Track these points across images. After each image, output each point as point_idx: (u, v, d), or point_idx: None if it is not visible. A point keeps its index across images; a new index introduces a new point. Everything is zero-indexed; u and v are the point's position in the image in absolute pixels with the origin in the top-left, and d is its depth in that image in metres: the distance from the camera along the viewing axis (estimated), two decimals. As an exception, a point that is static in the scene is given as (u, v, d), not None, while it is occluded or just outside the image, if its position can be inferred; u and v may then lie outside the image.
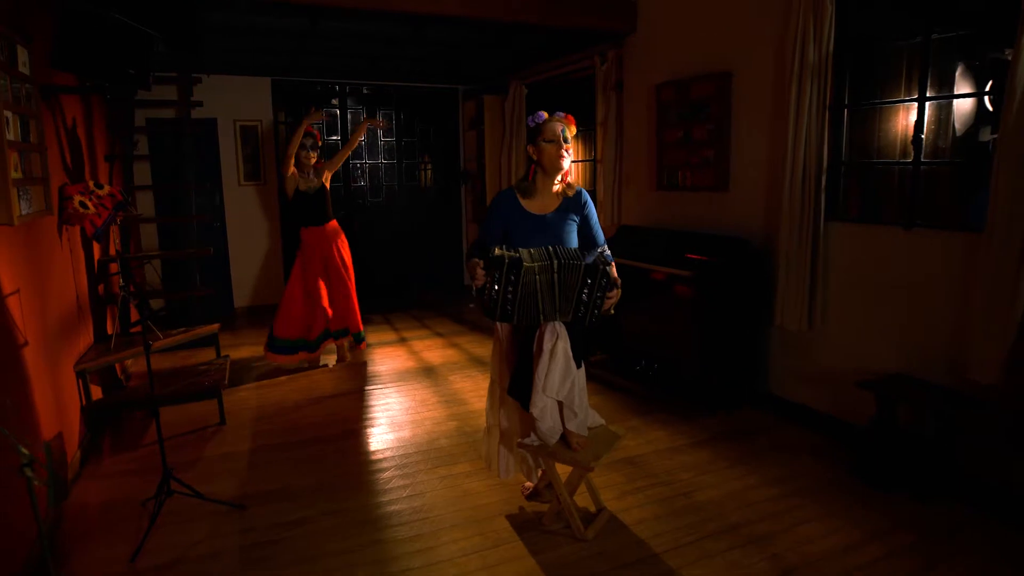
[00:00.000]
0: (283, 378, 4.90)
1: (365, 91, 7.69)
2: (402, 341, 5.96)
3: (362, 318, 5.25)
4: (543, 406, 2.61)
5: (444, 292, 8.23)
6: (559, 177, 2.69)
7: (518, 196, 2.72)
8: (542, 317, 2.50)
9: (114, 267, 4.78)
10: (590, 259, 2.47)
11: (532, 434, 2.73)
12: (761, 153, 4.14)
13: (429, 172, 8.32)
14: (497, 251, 2.46)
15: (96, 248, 4.38)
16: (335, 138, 7.52)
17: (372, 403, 4.35)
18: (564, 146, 2.63)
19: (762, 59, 4.05)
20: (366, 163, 7.84)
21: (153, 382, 2.93)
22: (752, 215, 4.22)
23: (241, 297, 7.28)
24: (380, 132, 7.82)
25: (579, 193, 2.75)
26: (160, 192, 6.64)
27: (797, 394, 4.01)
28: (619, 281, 2.56)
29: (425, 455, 3.54)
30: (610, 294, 2.50)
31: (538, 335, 2.62)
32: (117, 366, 4.40)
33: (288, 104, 7.27)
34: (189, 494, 2.92)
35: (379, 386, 4.68)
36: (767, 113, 4.07)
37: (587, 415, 2.78)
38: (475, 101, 7.93)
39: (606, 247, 2.79)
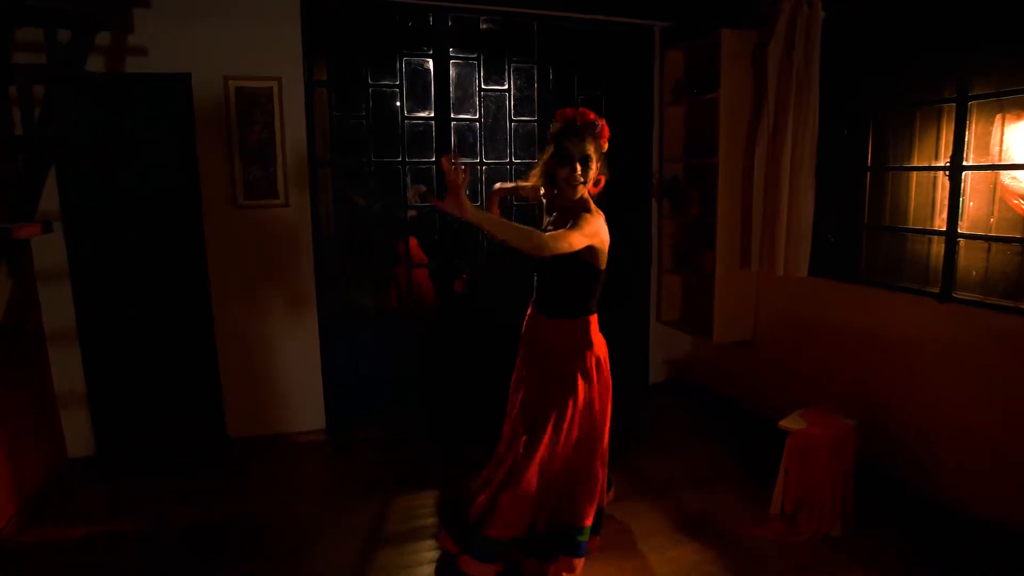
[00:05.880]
0: None
1: (483, 25, 4.12)
2: None
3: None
4: None
5: (620, 395, 4.45)
6: None
7: None
8: None
9: None
10: None
11: None
12: None
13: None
14: None
15: None
16: (422, 115, 4.05)
17: None
18: None
19: None
20: (481, 166, 4.27)
21: None
22: None
23: (242, 419, 3.85)
24: (511, 109, 4.25)
25: None
26: (75, 215, 3.45)
27: None
28: None
29: None
30: None
31: None
32: None
33: (332, 48, 3.83)
34: None
35: None
36: None
37: None
38: (688, 48, 4.17)
39: None
